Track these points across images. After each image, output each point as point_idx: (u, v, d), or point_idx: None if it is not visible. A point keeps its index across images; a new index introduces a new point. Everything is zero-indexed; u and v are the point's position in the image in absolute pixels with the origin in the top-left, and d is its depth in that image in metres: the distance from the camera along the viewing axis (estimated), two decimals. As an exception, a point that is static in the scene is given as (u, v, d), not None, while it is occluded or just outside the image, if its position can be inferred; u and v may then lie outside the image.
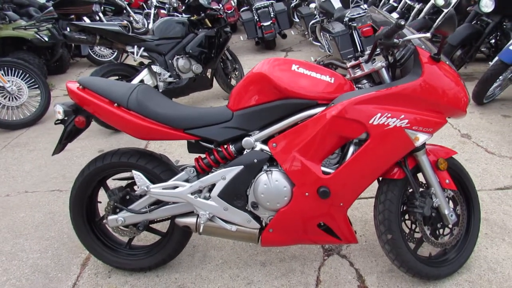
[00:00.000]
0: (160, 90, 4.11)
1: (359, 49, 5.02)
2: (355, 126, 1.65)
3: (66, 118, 1.87)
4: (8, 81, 4.39)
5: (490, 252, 2.15)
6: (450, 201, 1.95)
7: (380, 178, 1.89)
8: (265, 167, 1.78)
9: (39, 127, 4.48)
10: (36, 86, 4.55)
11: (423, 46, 1.69)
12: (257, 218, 1.86)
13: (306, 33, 7.42)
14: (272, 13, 7.14)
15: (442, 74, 1.66)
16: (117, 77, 3.98)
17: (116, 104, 1.80)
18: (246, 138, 1.78)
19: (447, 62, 1.73)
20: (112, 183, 2.14)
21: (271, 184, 1.75)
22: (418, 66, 1.65)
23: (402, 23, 1.50)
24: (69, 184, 3.14)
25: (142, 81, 4.03)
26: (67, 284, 2.10)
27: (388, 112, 1.63)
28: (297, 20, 8.21)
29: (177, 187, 1.86)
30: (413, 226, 1.96)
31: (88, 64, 7.15)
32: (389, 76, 1.76)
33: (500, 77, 3.89)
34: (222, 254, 2.25)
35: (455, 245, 2.02)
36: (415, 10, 5.86)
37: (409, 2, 6.01)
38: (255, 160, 1.76)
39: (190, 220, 1.91)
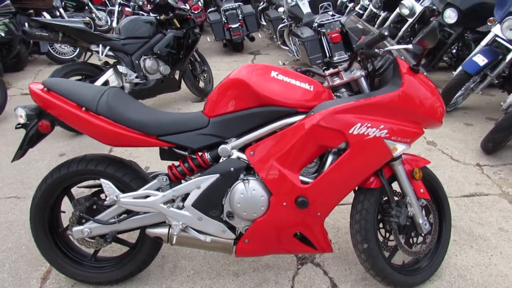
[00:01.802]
0: (126, 91, 3.95)
1: (327, 55, 5.06)
2: (335, 135, 1.63)
3: (28, 122, 1.73)
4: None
5: (460, 259, 2.20)
6: (423, 210, 1.98)
7: (357, 187, 1.88)
8: (241, 176, 1.73)
9: (-7, 128, 4.20)
10: (-9, 84, 4.26)
11: (402, 57, 1.70)
12: (232, 228, 1.80)
13: (274, 36, 7.43)
14: (240, 15, 7.10)
15: (421, 85, 1.67)
16: (80, 77, 3.79)
17: (84, 108, 1.69)
18: (222, 146, 1.72)
19: (425, 73, 1.74)
20: (77, 191, 2.01)
21: (248, 193, 1.70)
22: (398, 76, 1.65)
23: (386, 33, 1.49)
24: (27, 190, 2.94)
25: (107, 81, 3.86)
26: (25, 300, 1.95)
27: (368, 122, 1.62)
28: (264, 23, 8.22)
29: (148, 196, 1.77)
30: (387, 234, 1.97)
31: (47, 62, 6.80)
32: (367, 85, 1.75)
33: (463, 86, 4.03)
34: (193, 264, 2.17)
35: (427, 253, 2.04)
36: (380, 18, 5.99)
37: (374, 10, 6.14)
38: (232, 169, 1.71)
39: (162, 231, 1.82)
